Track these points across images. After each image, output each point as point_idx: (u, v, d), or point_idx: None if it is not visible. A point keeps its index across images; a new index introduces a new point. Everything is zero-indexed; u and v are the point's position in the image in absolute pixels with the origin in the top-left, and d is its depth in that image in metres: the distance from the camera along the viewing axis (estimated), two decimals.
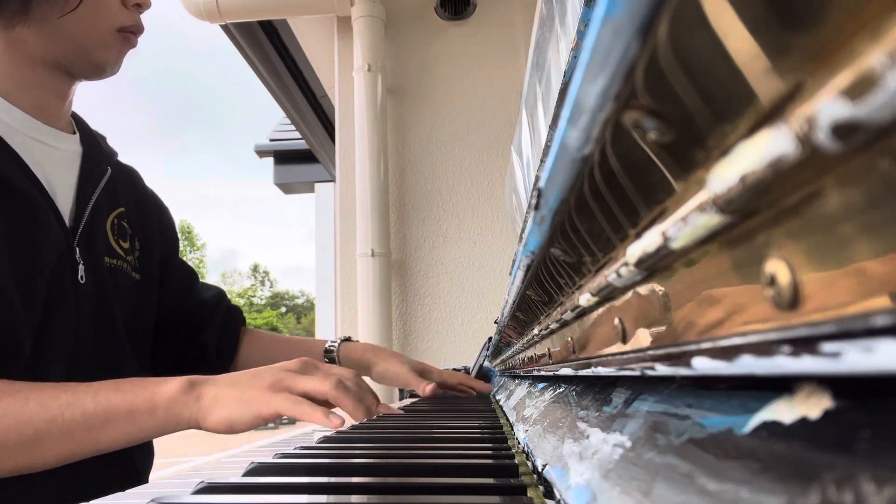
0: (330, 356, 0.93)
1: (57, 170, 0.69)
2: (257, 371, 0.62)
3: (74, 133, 0.74)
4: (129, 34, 0.71)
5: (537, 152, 0.58)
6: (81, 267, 0.68)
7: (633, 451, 0.22)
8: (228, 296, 0.96)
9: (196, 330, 0.88)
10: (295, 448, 0.47)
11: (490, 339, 1.26)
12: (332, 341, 0.95)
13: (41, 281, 0.63)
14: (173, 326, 0.87)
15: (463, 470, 0.37)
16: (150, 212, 0.85)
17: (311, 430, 0.68)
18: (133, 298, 0.76)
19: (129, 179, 0.84)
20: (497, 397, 0.97)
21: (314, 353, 0.93)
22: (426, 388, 0.91)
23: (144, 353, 0.79)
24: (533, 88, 0.62)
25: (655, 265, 0.19)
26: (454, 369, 1.41)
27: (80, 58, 0.69)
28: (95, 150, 0.76)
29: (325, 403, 0.62)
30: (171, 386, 0.59)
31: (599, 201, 0.22)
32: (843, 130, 0.09)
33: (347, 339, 0.96)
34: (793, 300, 0.11)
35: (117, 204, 0.77)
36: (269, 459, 0.41)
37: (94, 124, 0.80)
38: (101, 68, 0.71)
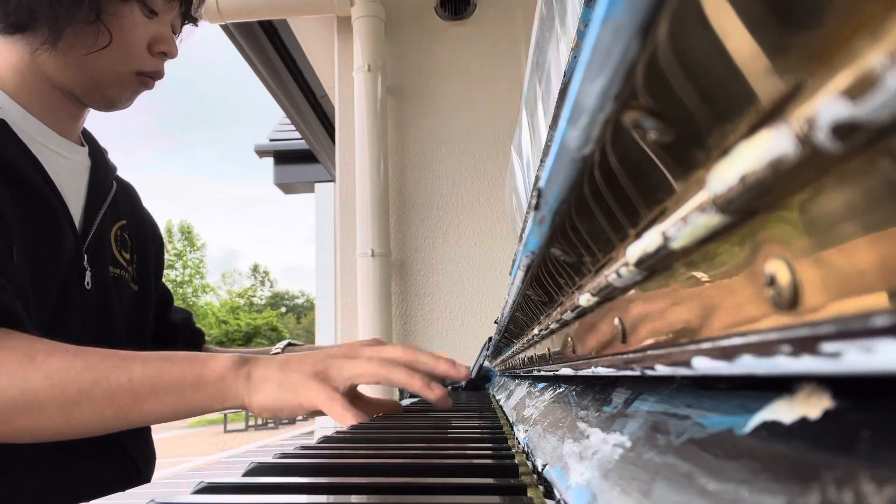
0: None
1: (69, 179, 0.70)
2: (304, 356, 0.60)
3: (84, 146, 0.75)
4: (148, 78, 0.72)
5: (537, 152, 0.58)
6: (88, 274, 0.69)
7: (633, 451, 0.22)
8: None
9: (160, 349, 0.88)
10: (295, 448, 0.47)
11: (490, 339, 1.26)
12: (276, 348, 0.91)
13: (53, 283, 0.63)
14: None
15: (463, 470, 0.37)
16: (147, 231, 0.86)
17: (311, 429, 0.68)
18: (132, 308, 0.77)
19: (128, 195, 0.85)
20: (497, 397, 0.97)
21: None
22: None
23: None
24: (533, 88, 0.62)
25: (655, 265, 0.19)
26: None
27: (93, 91, 0.70)
28: (102, 164, 0.77)
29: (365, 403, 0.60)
30: (221, 362, 0.57)
31: (599, 201, 0.22)
32: (843, 130, 0.09)
33: (291, 344, 0.92)
34: (793, 300, 0.11)
35: (119, 216, 0.79)
36: (269, 459, 0.41)
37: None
38: (111, 103, 0.72)
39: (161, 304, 0.90)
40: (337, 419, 0.56)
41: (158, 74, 0.73)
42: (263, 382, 0.57)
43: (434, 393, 0.59)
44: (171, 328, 0.91)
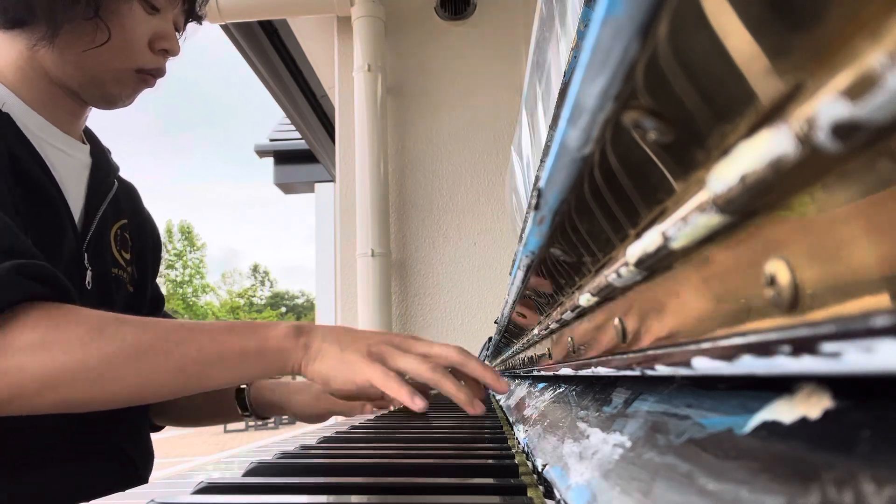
0: (240, 396, 0.88)
1: (70, 176, 0.70)
2: (360, 335, 0.62)
3: (85, 144, 0.75)
4: (149, 76, 0.72)
5: (537, 152, 0.58)
6: (89, 273, 0.68)
7: (633, 451, 0.22)
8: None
9: None
10: (295, 448, 0.47)
11: (490, 339, 1.26)
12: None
13: None
14: None
15: (463, 470, 0.37)
16: (146, 232, 0.86)
17: (312, 430, 0.68)
18: (127, 311, 0.77)
19: (130, 195, 0.85)
20: (497, 397, 0.97)
21: (229, 393, 0.90)
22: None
23: None
24: (533, 88, 0.62)
25: (655, 265, 0.19)
26: None
27: (93, 88, 0.69)
28: (104, 162, 0.77)
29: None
30: (279, 331, 0.60)
31: (599, 201, 0.22)
32: (842, 130, 0.09)
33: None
34: (793, 300, 0.11)
35: (120, 216, 0.78)
36: (270, 459, 0.41)
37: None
38: (112, 101, 0.72)
39: (151, 304, 0.90)
40: (394, 394, 0.57)
41: (159, 72, 0.73)
42: (320, 354, 0.60)
43: (475, 409, 0.59)
44: None
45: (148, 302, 0.87)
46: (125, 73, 0.69)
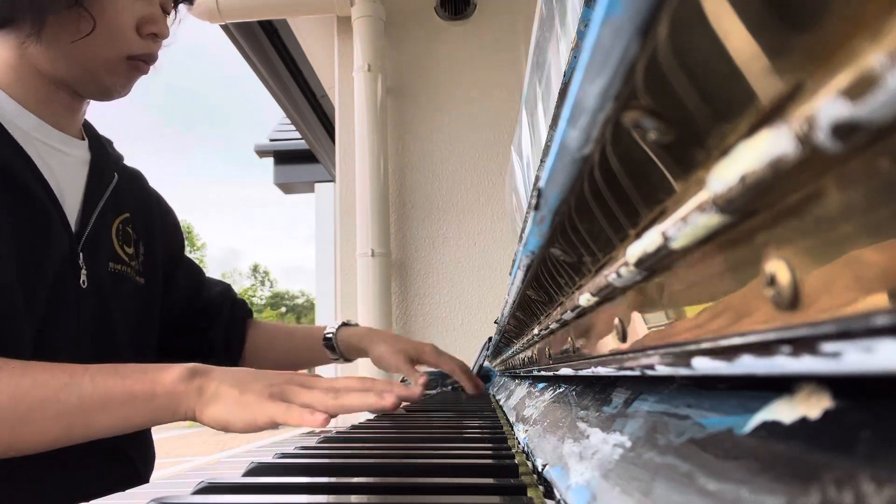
0: (328, 343, 0.93)
1: (66, 175, 0.69)
2: (262, 374, 0.61)
3: (84, 139, 0.75)
4: (140, 62, 0.71)
5: (537, 152, 0.58)
6: (84, 272, 0.68)
7: (633, 450, 0.22)
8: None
9: (205, 327, 0.89)
10: (295, 448, 0.47)
11: (490, 339, 1.26)
12: (330, 327, 0.95)
13: (44, 284, 0.63)
14: (182, 325, 0.88)
15: (463, 470, 0.37)
16: (155, 214, 0.85)
17: (311, 430, 0.68)
18: (137, 302, 0.77)
19: (134, 183, 0.84)
20: (497, 397, 0.97)
21: (314, 341, 0.94)
22: (419, 381, 0.89)
23: (148, 357, 0.79)
24: (533, 88, 0.62)
25: (655, 265, 0.19)
26: None
27: (86, 80, 0.69)
28: (103, 157, 0.76)
29: None
30: (171, 374, 0.57)
31: (599, 201, 0.22)
32: (842, 130, 0.09)
33: (345, 325, 0.96)
34: (793, 300, 0.11)
35: (123, 209, 0.78)
36: (269, 459, 0.41)
37: (96, 125, 0.80)
38: (107, 92, 0.71)
39: (193, 283, 0.90)
40: (298, 423, 0.56)
41: (151, 58, 0.71)
42: (216, 398, 0.58)
43: (387, 401, 0.59)
44: (209, 303, 0.91)
45: (184, 281, 0.87)
46: (116, 61, 0.68)
